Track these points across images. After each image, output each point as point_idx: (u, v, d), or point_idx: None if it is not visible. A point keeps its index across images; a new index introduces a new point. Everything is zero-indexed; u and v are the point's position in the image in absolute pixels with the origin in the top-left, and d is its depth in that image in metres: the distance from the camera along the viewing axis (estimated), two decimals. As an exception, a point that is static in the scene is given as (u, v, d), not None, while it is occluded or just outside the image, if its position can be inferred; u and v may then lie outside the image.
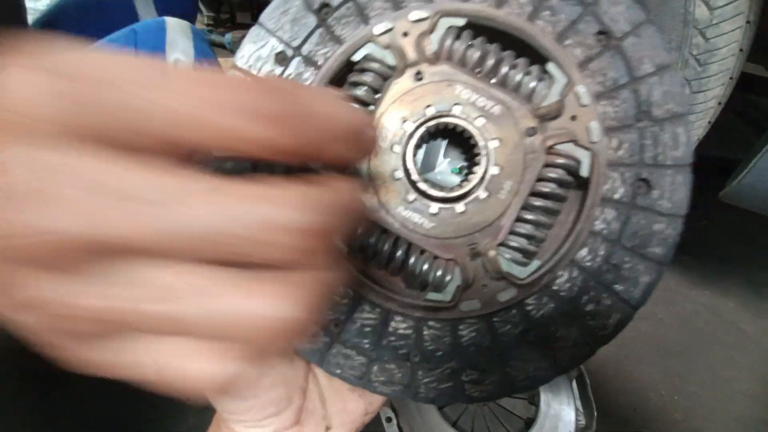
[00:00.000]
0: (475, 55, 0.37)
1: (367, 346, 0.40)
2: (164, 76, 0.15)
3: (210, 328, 0.15)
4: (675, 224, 0.38)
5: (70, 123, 0.14)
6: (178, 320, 0.15)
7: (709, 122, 1.08)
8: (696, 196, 0.38)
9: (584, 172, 0.37)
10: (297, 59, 0.37)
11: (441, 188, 0.37)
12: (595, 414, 1.13)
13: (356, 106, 0.37)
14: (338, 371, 0.40)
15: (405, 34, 0.38)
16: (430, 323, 0.39)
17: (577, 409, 1.13)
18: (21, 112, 0.13)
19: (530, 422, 1.13)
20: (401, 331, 0.40)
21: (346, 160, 0.18)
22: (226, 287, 0.15)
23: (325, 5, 0.38)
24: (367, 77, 0.37)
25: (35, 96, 0.13)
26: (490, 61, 0.37)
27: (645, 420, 1.22)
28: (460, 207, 0.38)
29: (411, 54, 0.38)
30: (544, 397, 1.15)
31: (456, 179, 0.43)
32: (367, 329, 0.40)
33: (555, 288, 0.39)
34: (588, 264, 0.39)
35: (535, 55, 0.38)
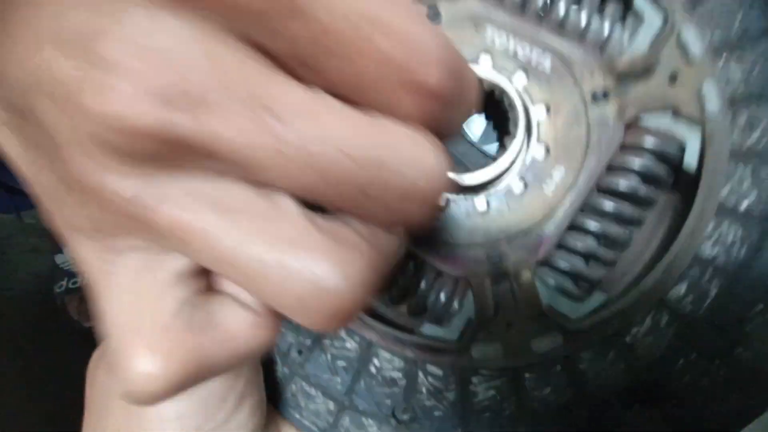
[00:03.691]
0: (519, -17, 0.26)
1: (338, 387, 0.29)
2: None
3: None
4: None
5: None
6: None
7: None
8: None
9: (691, 160, 0.24)
10: None
11: (453, 170, 0.26)
12: None
13: None
14: (296, 415, 0.30)
15: (420, -40, 0.28)
16: (430, 368, 0.28)
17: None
18: None
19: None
20: (387, 373, 0.29)
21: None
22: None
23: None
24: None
25: None
26: (542, -7, 0.26)
27: None
28: (480, 202, 0.26)
29: (428, -14, 0.28)
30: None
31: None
32: (341, 363, 0.29)
33: (629, 341, 0.25)
34: (689, 309, 0.25)
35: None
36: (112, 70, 0.11)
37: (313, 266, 0.14)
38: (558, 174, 0.26)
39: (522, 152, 0.26)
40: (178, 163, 0.13)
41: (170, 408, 0.23)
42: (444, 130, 0.16)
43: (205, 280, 0.17)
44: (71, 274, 0.95)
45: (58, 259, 0.96)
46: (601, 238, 0.25)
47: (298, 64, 0.13)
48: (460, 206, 0.27)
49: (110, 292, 0.16)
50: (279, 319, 0.17)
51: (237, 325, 0.16)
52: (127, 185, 0.13)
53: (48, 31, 0.12)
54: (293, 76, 0.13)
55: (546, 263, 0.26)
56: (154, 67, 0.11)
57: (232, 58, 0.12)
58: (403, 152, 0.14)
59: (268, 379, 0.30)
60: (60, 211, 0.15)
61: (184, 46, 0.12)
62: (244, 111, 0.12)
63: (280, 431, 0.30)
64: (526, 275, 0.25)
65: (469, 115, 0.18)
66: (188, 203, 0.14)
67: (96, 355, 0.27)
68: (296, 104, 0.13)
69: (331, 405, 0.29)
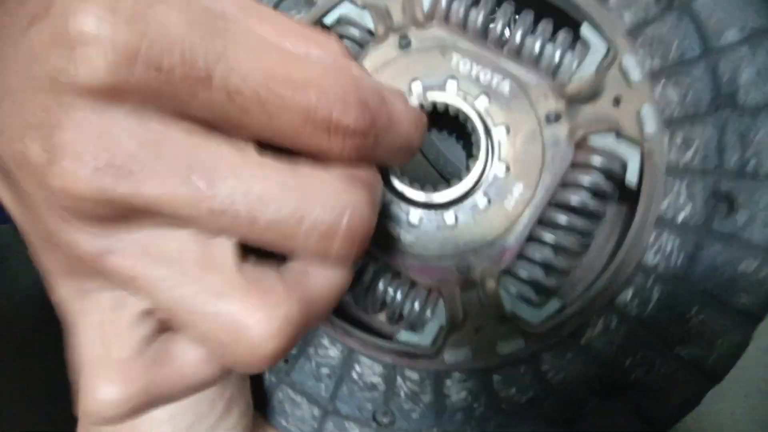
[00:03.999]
0: (479, 15, 0.28)
1: (322, 393, 0.30)
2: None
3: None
4: (775, 263, 0.26)
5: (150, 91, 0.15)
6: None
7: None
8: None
9: (632, 177, 0.26)
10: None
11: (423, 189, 0.28)
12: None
13: None
14: (283, 422, 0.31)
15: (391, -8, 0.30)
16: (407, 373, 0.29)
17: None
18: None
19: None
20: (368, 379, 0.30)
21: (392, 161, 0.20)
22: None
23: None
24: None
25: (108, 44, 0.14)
26: (500, 24, 0.28)
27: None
28: (449, 217, 0.28)
29: (397, 16, 0.30)
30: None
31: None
32: (324, 370, 0.30)
33: (584, 342, 0.27)
34: (635, 311, 0.27)
35: (564, 18, 0.28)
36: (64, 154, 0.15)
37: (234, 313, 0.16)
38: (517, 190, 0.28)
39: (485, 171, 0.28)
40: (127, 221, 0.16)
41: (162, 411, 0.24)
42: (387, 159, 0.19)
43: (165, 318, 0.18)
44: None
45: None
46: (556, 248, 0.27)
47: (228, 126, 0.16)
48: (431, 221, 0.28)
49: (82, 327, 0.18)
50: None
51: (188, 361, 0.19)
52: (85, 240, 0.16)
53: (24, 122, 0.15)
54: (227, 135, 0.16)
55: (508, 272, 0.28)
56: (94, 149, 0.15)
57: (162, 133, 0.15)
58: (319, 198, 0.16)
59: (255, 387, 0.30)
60: (41, 255, 0.18)
61: (119, 131, 0.15)
62: (173, 175, 0.15)
63: None
64: (491, 284, 0.27)
65: (411, 140, 0.19)
66: (132, 254, 0.16)
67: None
68: (221, 164, 0.15)
69: (316, 411, 0.31)
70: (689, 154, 0.27)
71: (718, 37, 0.27)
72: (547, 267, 0.27)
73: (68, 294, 0.18)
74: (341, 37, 0.30)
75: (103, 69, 0.14)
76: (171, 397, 0.19)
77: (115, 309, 0.18)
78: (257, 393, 0.31)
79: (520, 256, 0.28)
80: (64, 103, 0.15)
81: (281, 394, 0.31)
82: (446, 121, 0.30)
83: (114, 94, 0.14)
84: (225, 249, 0.17)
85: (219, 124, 0.16)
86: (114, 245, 0.16)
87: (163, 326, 0.19)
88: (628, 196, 0.28)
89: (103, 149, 0.15)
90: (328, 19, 0.30)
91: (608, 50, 0.27)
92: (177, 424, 0.25)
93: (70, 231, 0.16)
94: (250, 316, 0.16)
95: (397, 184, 0.28)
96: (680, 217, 0.27)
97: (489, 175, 0.28)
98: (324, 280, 0.18)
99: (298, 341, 0.17)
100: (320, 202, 0.16)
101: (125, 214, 0.16)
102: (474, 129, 0.27)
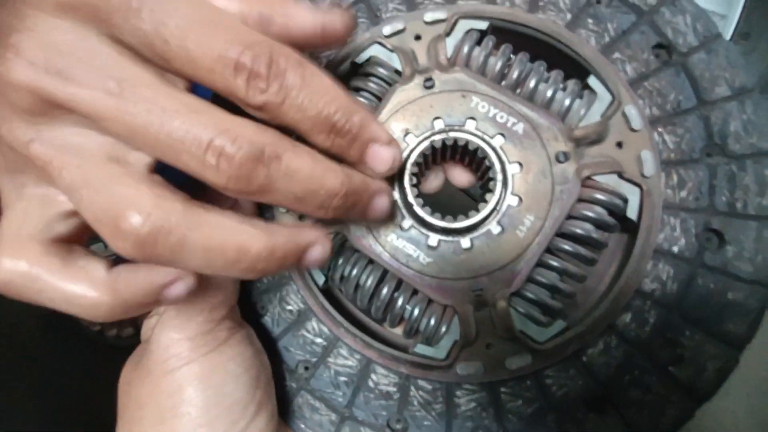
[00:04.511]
0: (497, 62, 0.31)
1: (339, 400, 0.32)
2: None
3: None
4: (759, 295, 0.28)
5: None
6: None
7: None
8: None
9: (631, 213, 0.29)
10: None
11: (443, 216, 0.30)
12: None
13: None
14: (302, 425, 0.33)
15: (417, 37, 0.33)
16: (420, 383, 0.32)
17: None
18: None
19: None
20: (383, 388, 0.32)
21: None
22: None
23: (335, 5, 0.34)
24: (369, 82, 0.32)
25: None
26: (516, 71, 0.31)
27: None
28: (465, 242, 0.31)
29: (422, 59, 0.33)
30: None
31: None
32: (342, 379, 0.32)
33: (585, 360, 0.30)
34: (633, 334, 0.30)
35: (573, 69, 0.31)
36: (10, 50, 0.19)
37: (127, 195, 0.20)
38: (528, 220, 0.30)
39: (500, 202, 0.31)
40: (52, 117, 0.20)
41: (201, 416, 0.27)
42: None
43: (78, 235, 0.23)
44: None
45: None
46: (562, 273, 0.30)
47: (156, 58, 0.20)
48: (449, 245, 0.31)
49: (8, 211, 0.22)
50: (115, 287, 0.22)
51: (85, 275, 0.22)
52: (17, 128, 0.20)
53: None
54: (159, 68, 0.21)
55: (518, 294, 0.30)
56: (39, 50, 0.19)
57: (95, 48, 0.20)
58: (208, 129, 0.20)
59: (277, 393, 0.32)
60: None
61: (61, 39, 0.19)
62: (96, 81, 0.19)
63: None
64: (502, 304, 0.30)
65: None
66: (51, 143, 0.20)
67: (129, 366, 0.29)
68: (141, 83, 0.20)
69: (333, 416, 0.32)
70: (683, 193, 0.30)
71: (710, 92, 0.30)
72: (553, 290, 0.30)
73: (7, 187, 0.23)
74: (371, 75, 0.33)
75: None
76: (53, 300, 0.22)
77: (42, 203, 0.22)
78: (279, 399, 0.32)
79: (529, 279, 0.30)
80: (22, 13, 0.19)
81: (301, 399, 0.33)
82: (464, 156, 0.34)
83: (64, 8, 0.19)
84: (139, 159, 0.21)
85: (149, 56, 0.20)
86: (39, 135, 0.20)
87: (83, 231, 0.23)
88: (628, 229, 0.30)
89: (42, 50, 0.19)
90: (360, 59, 0.33)
91: (612, 99, 0.30)
92: (215, 427, 0.27)
93: (7, 121, 0.20)
94: (139, 202, 0.19)
95: (419, 210, 0.31)
96: (675, 249, 0.30)
97: (503, 205, 0.31)
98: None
99: (156, 255, 0.20)
100: (209, 132, 0.20)
101: (51, 109, 0.20)
102: (491, 164, 0.30)
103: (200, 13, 0.20)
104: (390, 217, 0.31)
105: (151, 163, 0.21)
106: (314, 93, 0.22)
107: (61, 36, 0.19)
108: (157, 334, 0.28)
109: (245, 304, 0.34)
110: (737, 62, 0.30)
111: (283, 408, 0.33)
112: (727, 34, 0.66)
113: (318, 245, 0.24)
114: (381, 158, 0.25)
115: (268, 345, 0.33)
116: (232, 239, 0.21)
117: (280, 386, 0.33)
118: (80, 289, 0.22)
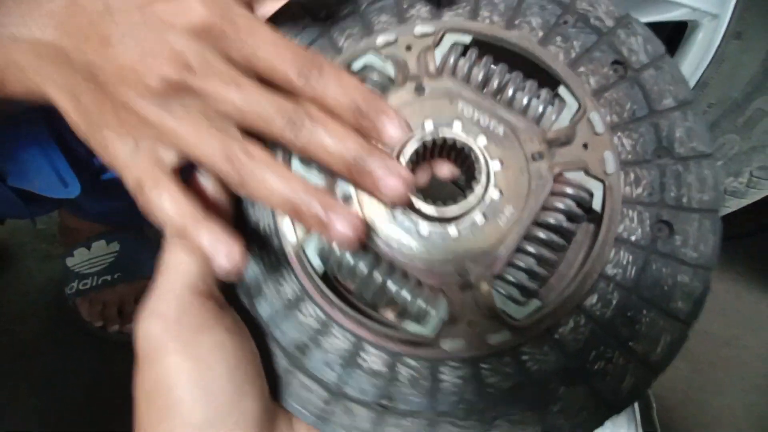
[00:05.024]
0: (480, 72, 0.35)
1: (331, 378, 0.34)
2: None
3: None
4: (702, 277, 0.33)
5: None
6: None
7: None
8: None
9: (596, 205, 0.33)
10: None
11: (434, 205, 0.34)
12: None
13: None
14: (294, 404, 0.34)
15: (408, 48, 0.37)
16: (408, 360, 0.34)
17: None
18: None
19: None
20: (373, 366, 0.34)
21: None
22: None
23: (329, 16, 0.37)
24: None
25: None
26: (496, 81, 0.35)
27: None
28: (452, 230, 0.34)
29: (413, 67, 0.37)
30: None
31: None
32: (334, 358, 0.34)
33: (557, 337, 0.33)
34: (598, 313, 0.33)
35: (545, 79, 0.36)
36: (158, 57, 0.28)
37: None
38: (508, 211, 0.34)
39: (484, 195, 0.34)
40: (179, 96, 0.28)
41: (191, 408, 0.28)
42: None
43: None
44: (81, 276, 0.92)
45: (69, 262, 0.92)
46: (538, 258, 0.33)
47: (250, 69, 0.29)
48: (437, 232, 0.34)
49: (123, 156, 0.30)
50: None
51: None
52: (150, 105, 0.28)
53: (140, 46, 0.28)
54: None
55: (499, 277, 0.33)
56: (175, 56, 0.28)
57: (213, 59, 0.28)
58: (270, 107, 0.29)
59: (270, 374, 0.33)
60: (98, 118, 0.29)
61: (194, 51, 0.28)
62: (221, 80, 0.28)
63: (279, 417, 0.34)
64: (484, 286, 0.33)
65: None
66: (178, 116, 0.28)
67: (147, 311, 0.30)
68: (242, 83, 0.29)
69: (325, 394, 0.33)
70: (639, 189, 0.34)
71: (659, 103, 0.35)
72: (530, 273, 0.33)
73: (124, 152, 0.29)
74: (366, 80, 0.36)
75: (199, 14, 0.28)
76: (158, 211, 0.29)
77: (154, 154, 0.29)
78: (271, 379, 0.33)
79: (509, 263, 0.33)
80: (166, 35, 0.28)
81: (293, 378, 0.34)
82: (450, 153, 0.37)
83: (199, 32, 0.28)
84: (230, 126, 0.29)
85: (244, 67, 0.29)
86: (168, 109, 0.28)
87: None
88: (593, 220, 0.35)
89: (185, 57, 0.28)
90: (356, 66, 0.37)
91: (579, 107, 0.34)
92: (205, 412, 0.28)
93: (141, 100, 0.28)
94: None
95: (415, 201, 0.34)
96: (633, 238, 0.34)
97: (486, 198, 0.34)
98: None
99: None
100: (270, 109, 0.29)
101: (185, 92, 0.28)
102: (477, 160, 0.34)
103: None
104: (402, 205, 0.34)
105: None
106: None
107: (193, 50, 0.28)
108: (138, 327, 0.29)
109: (239, 285, 0.35)
110: (680, 78, 0.35)
111: (276, 388, 0.34)
112: (719, 34, 0.62)
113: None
114: (393, 126, 0.32)
115: (262, 326, 0.34)
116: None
117: (273, 367, 0.34)
118: None
